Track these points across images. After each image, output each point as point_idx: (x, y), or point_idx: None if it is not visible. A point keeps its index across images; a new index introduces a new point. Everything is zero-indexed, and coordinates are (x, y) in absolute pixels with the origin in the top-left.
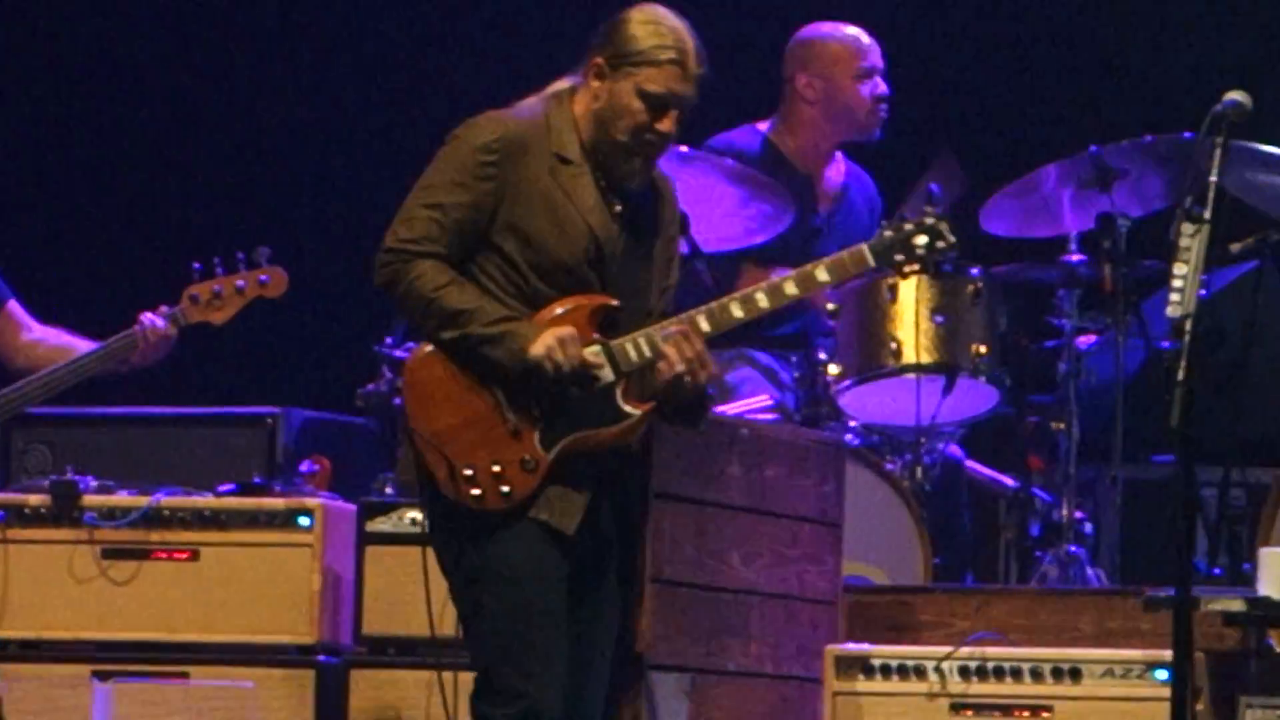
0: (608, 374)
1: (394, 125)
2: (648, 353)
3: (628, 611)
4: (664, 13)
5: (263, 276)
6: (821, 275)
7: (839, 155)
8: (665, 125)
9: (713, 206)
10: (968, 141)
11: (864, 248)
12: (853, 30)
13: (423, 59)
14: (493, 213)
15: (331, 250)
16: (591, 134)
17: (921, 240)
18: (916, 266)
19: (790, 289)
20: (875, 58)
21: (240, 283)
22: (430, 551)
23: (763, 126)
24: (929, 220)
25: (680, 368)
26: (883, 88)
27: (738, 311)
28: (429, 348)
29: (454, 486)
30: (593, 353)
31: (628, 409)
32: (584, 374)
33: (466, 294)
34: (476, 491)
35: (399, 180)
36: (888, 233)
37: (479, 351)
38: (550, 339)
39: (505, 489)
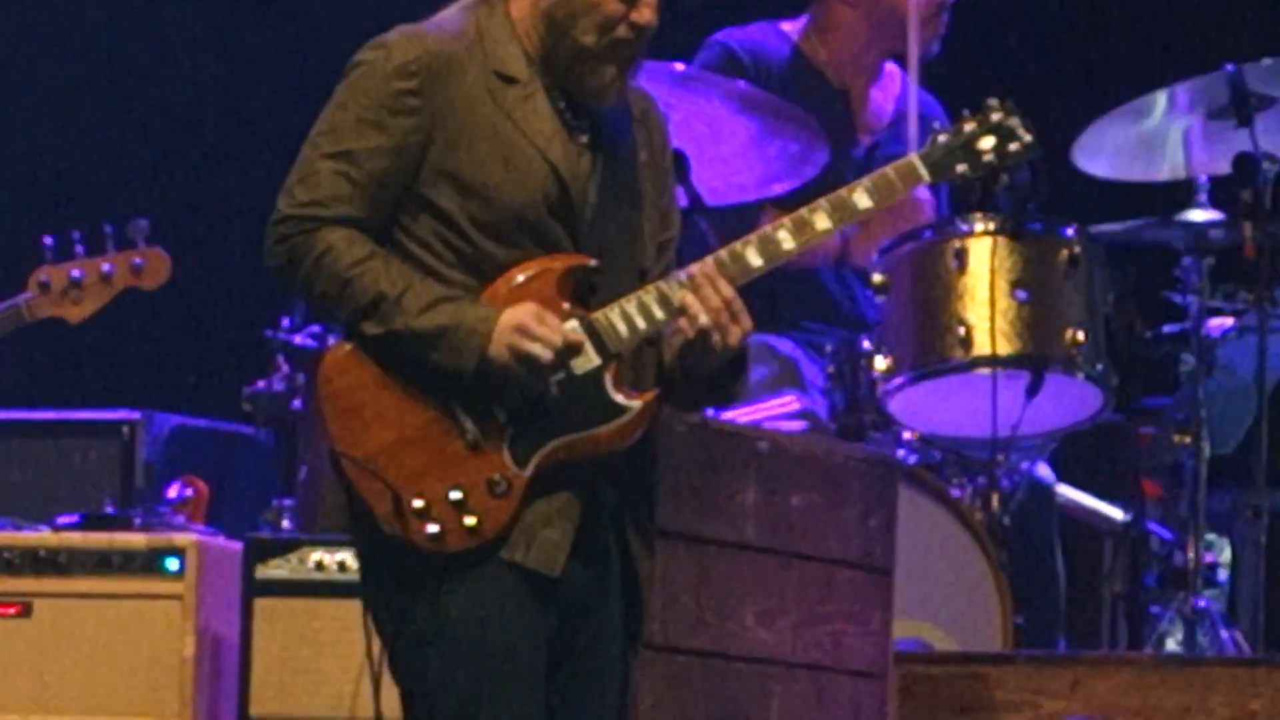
0: (592, 357)
1: (279, 53)
2: (642, 324)
3: (629, 681)
4: None
5: (137, 260)
6: (862, 200)
7: (891, 68)
8: (643, 14)
9: (719, 144)
10: (1055, 57)
11: (914, 158)
12: None
13: None
14: (419, 157)
15: (209, 211)
16: (542, 41)
17: (988, 142)
18: (985, 175)
19: (821, 222)
20: None
21: (107, 267)
22: (346, 607)
23: (788, 28)
24: (995, 115)
25: (705, 320)
26: None
27: (755, 259)
28: (346, 344)
29: (402, 523)
30: (570, 329)
31: (622, 400)
32: (564, 360)
33: (393, 270)
34: (433, 529)
35: (292, 123)
36: (942, 137)
37: (415, 353)
38: (509, 332)
39: (471, 521)
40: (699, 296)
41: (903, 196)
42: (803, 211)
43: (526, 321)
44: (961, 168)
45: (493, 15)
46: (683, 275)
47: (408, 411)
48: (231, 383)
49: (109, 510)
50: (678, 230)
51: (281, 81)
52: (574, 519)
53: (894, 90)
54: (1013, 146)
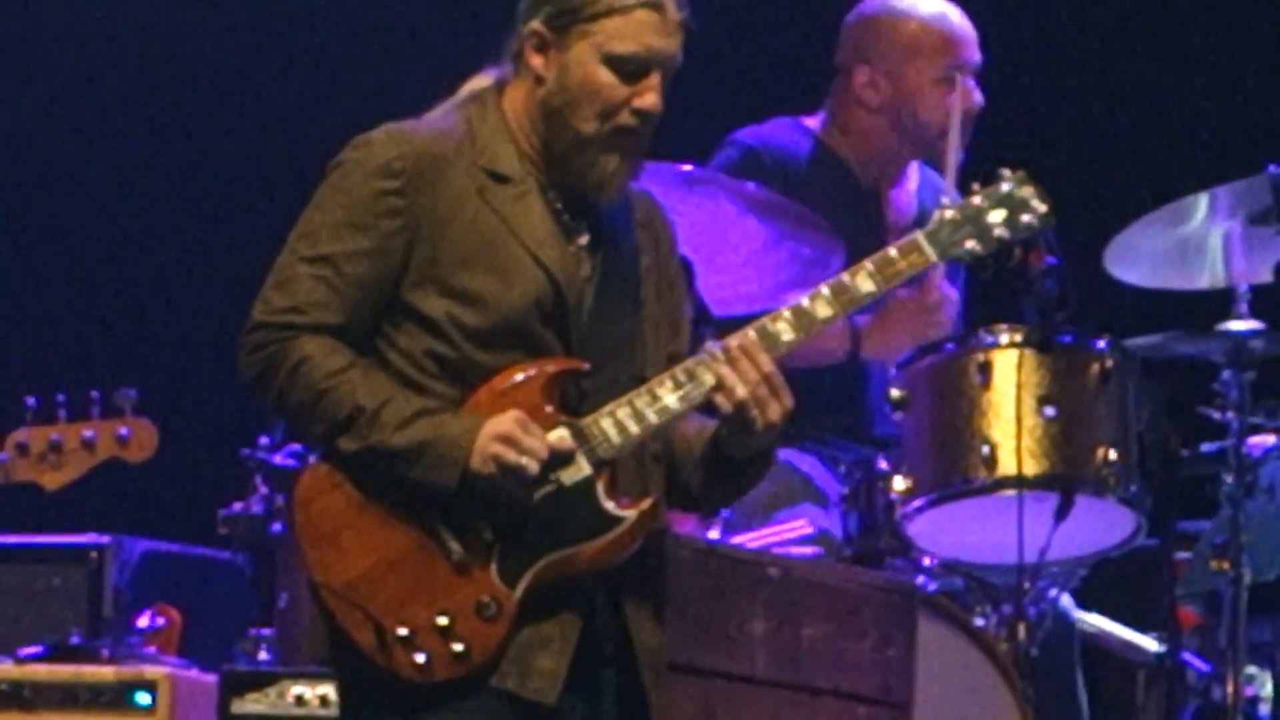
0: (582, 467)
1: (264, 156)
2: (635, 428)
3: None
4: None
5: (123, 430)
6: (864, 285)
7: (914, 164)
8: (648, 98)
9: (727, 250)
10: (1089, 158)
11: (919, 236)
12: (938, 6)
13: (295, 70)
14: (403, 261)
15: (184, 323)
16: (539, 135)
17: (998, 215)
18: (994, 252)
19: (822, 310)
20: (970, 51)
21: (90, 434)
22: None
23: (811, 124)
24: (1006, 185)
25: (742, 393)
26: (976, 97)
27: (788, 332)
28: (325, 464)
29: (386, 654)
30: (558, 437)
31: (615, 511)
32: (551, 469)
33: (373, 382)
34: (420, 657)
35: (273, 226)
36: (950, 212)
37: (394, 470)
38: (492, 442)
39: (459, 648)
40: (736, 370)
41: (907, 277)
42: (802, 300)
43: (511, 431)
44: (971, 244)
45: (485, 112)
46: (722, 345)
47: (389, 534)
48: (206, 505)
49: (76, 641)
50: (688, 339)
51: (259, 178)
52: (571, 644)
53: (914, 184)
54: (1025, 218)
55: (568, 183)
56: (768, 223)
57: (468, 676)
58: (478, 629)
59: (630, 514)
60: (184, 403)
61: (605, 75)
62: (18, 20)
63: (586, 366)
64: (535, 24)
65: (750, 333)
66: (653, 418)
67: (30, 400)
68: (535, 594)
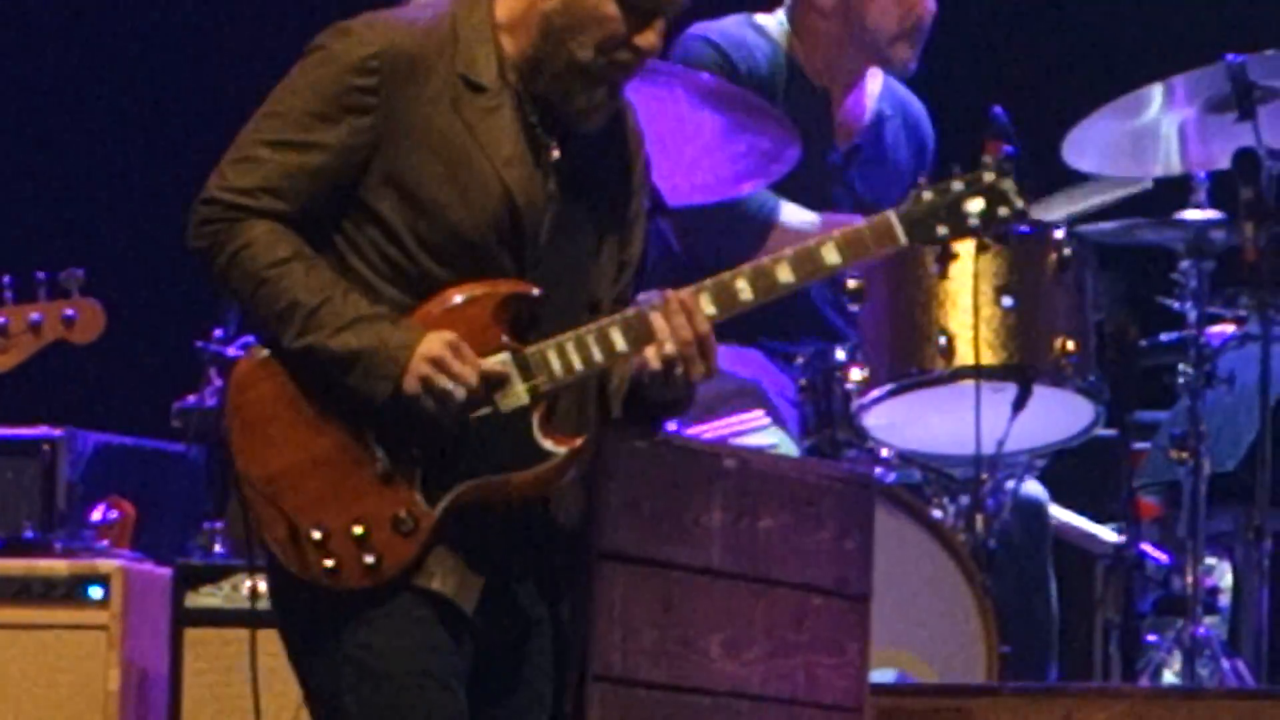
0: (520, 396)
1: (218, 28)
2: (579, 365)
3: None
4: None
5: (69, 311)
6: (830, 257)
7: (875, 70)
8: (648, 39)
9: (683, 141)
10: (1045, 49)
11: (891, 216)
12: None
13: None
14: (365, 159)
15: (136, 209)
16: (530, 46)
17: (975, 205)
18: (966, 242)
19: (784, 275)
20: None
21: (36, 316)
22: (269, 635)
23: (765, 22)
24: (988, 176)
25: (670, 349)
26: (928, 3)
27: (709, 306)
28: (264, 350)
29: (297, 554)
30: (498, 362)
31: (548, 445)
32: (485, 393)
33: (314, 277)
34: (329, 563)
35: (233, 110)
36: (927, 194)
37: (329, 370)
38: (424, 366)
39: (370, 559)
40: (670, 324)
41: (873, 256)
42: (765, 261)
43: (441, 354)
44: (943, 230)
45: (473, 12)
46: (661, 297)
47: (317, 433)
48: (160, 397)
49: (28, 535)
50: (638, 255)
51: (215, 51)
52: (488, 565)
53: (874, 90)
54: (1002, 211)
55: (551, 99)
56: (723, 114)
57: (376, 587)
58: (392, 542)
59: (561, 450)
60: (137, 295)
61: (613, 9)
62: None
63: (538, 293)
64: None
65: (695, 291)
66: (598, 355)
67: None
68: (454, 515)
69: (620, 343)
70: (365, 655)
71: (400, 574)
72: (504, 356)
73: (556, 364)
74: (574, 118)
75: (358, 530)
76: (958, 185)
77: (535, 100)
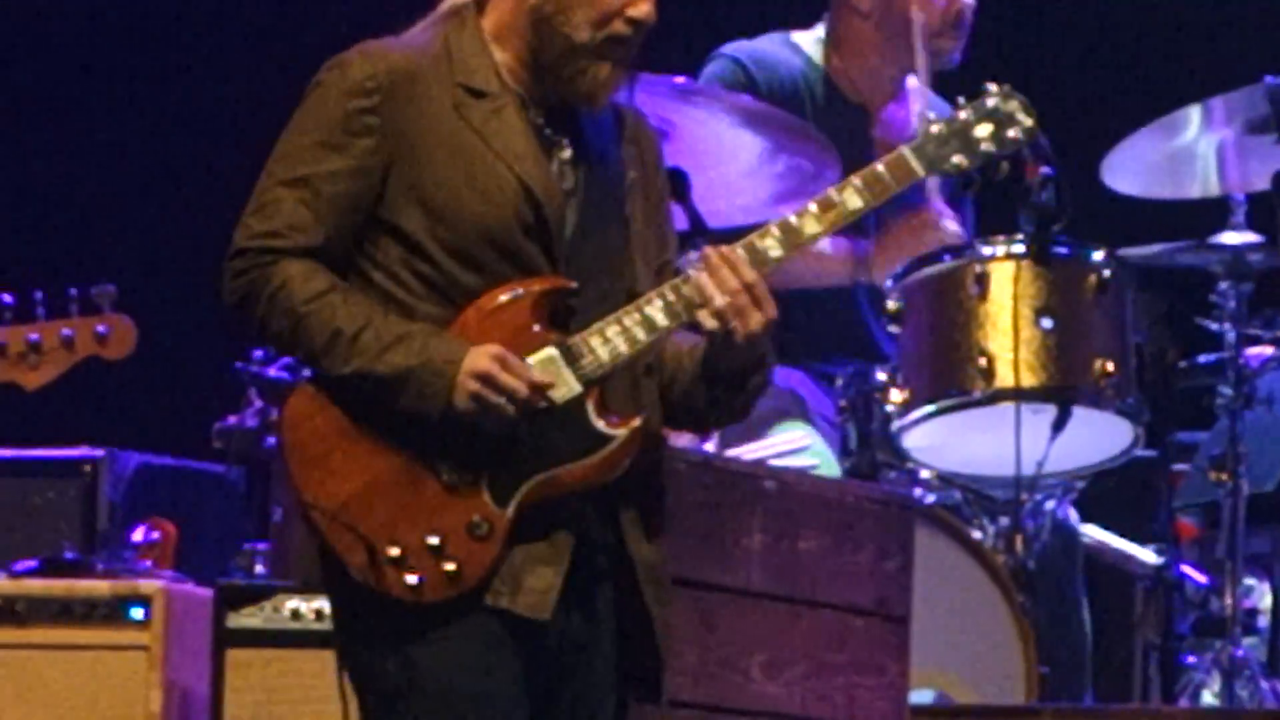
0: (571, 386)
1: (251, 76)
2: (623, 346)
3: None
4: None
5: (101, 327)
6: (853, 201)
7: (910, 83)
8: (642, 8)
9: (723, 162)
10: (1084, 70)
11: (904, 150)
12: None
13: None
14: (381, 179)
15: (177, 237)
16: (527, 47)
17: (984, 129)
18: (981, 166)
19: (810, 227)
20: None
21: (68, 331)
22: (322, 658)
23: (801, 39)
24: (992, 100)
25: (720, 302)
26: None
27: (775, 249)
28: (313, 384)
29: (377, 574)
30: (543, 360)
31: (605, 429)
32: (534, 403)
33: (353, 305)
34: (412, 578)
35: (264, 132)
36: (935, 127)
37: (380, 394)
38: (473, 382)
39: (451, 567)
40: (716, 279)
41: (895, 192)
42: (789, 217)
43: (489, 369)
44: (958, 158)
45: (463, 29)
46: (701, 255)
47: (378, 456)
48: (200, 418)
49: (69, 555)
50: (674, 251)
51: (249, 78)
52: (564, 561)
53: (918, 107)
54: (1012, 133)
55: (553, 94)
56: (762, 135)
57: (460, 597)
58: (470, 548)
59: (620, 432)
60: (178, 315)
61: None
62: None
63: (574, 284)
64: None
65: (734, 245)
66: (641, 335)
67: (6, 298)
68: (527, 512)
69: (661, 318)
70: (431, 676)
71: (483, 581)
72: (549, 352)
73: (602, 349)
74: (581, 100)
75: (434, 541)
76: (965, 114)
77: (538, 103)
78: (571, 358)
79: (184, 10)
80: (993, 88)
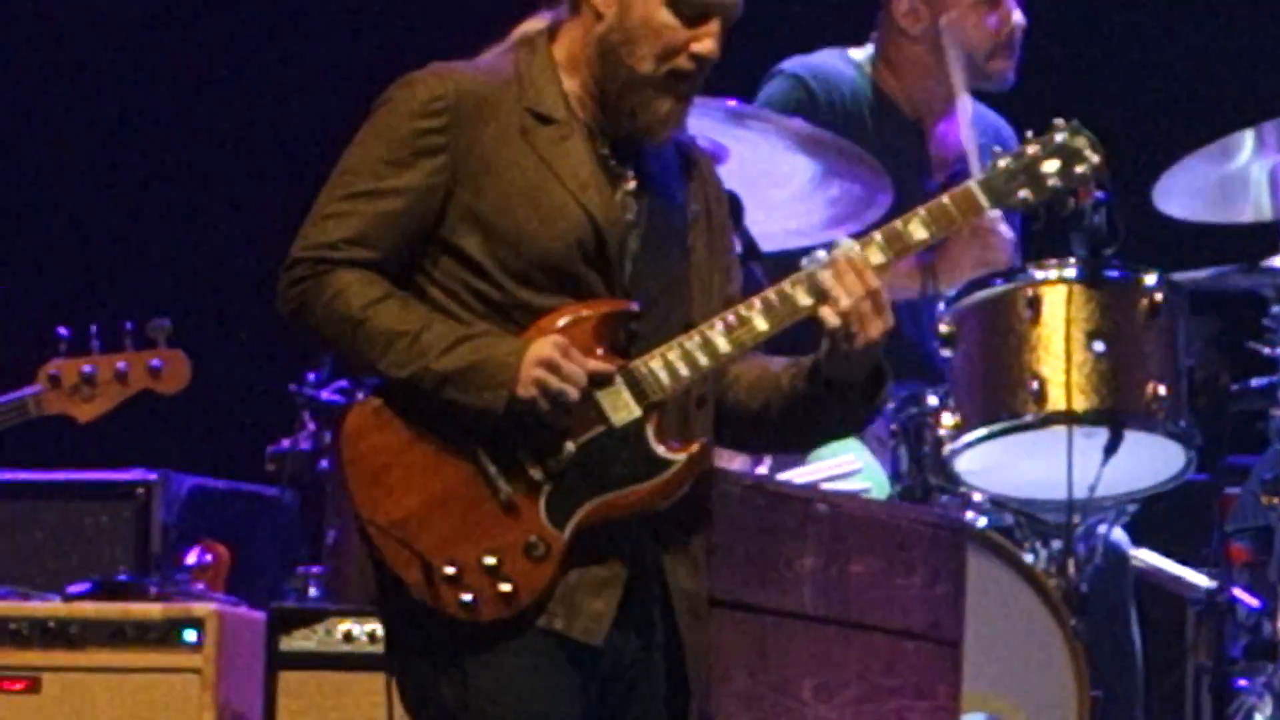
0: (632, 409)
1: (310, 98)
2: (685, 371)
3: None
4: None
5: (155, 361)
6: (917, 232)
7: (967, 100)
8: (706, 44)
9: (776, 186)
10: (1138, 94)
11: (972, 185)
12: None
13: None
14: (443, 200)
15: (232, 252)
16: (593, 75)
17: (1052, 165)
18: (1048, 202)
19: (874, 256)
20: None
21: (122, 365)
22: (375, 680)
23: (857, 56)
24: (1060, 135)
25: (847, 304)
26: (1017, 16)
27: (805, 298)
28: (374, 401)
29: (432, 592)
30: (598, 363)
31: (665, 454)
32: (595, 410)
33: (411, 310)
34: (467, 597)
35: (315, 168)
36: (1003, 161)
37: (440, 395)
38: (536, 368)
39: (506, 588)
40: (843, 283)
41: (961, 226)
42: (854, 245)
43: (551, 355)
44: (1024, 193)
45: (534, 55)
46: (829, 256)
47: (436, 473)
48: (254, 441)
49: (123, 578)
50: (739, 285)
51: (302, 106)
52: (619, 585)
53: (966, 124)
54: (1079, 169)
55: (616, 125)
56: (816, 159)
57: (515, 618)
58: (526, 569)
59: (680, 457)
60: (232, 338)
61: (666, 16)
62: None
63: (637, 308)
64: None
65: (847, 251)
66: (703, 360)
67: (63, 331)
68: (583, 535)
69: (723, 344)
70: (486, 698)
71: (538, 602)
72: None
73: (664, 374)
74: (645, 132)
75: (490, 561)
76: (1033, 149)
77: (604, 133)
78: (633, 381)
79: (235, 44)
80: (1060, 123)
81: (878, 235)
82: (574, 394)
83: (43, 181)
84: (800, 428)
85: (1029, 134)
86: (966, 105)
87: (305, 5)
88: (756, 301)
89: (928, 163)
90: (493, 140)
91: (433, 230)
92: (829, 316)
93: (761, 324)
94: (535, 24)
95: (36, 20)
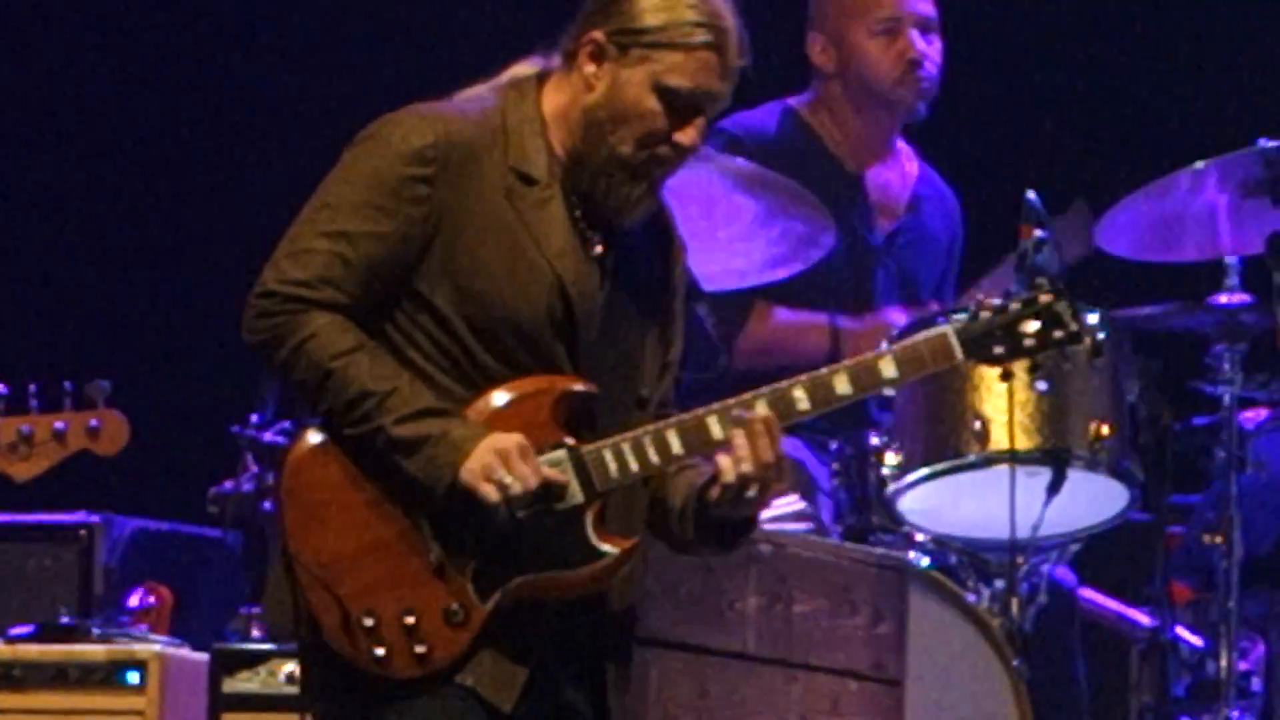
0: (575, 494)
1: (287, 119)
2: (635, 467)
3: None
4: None
5: (93, 422)
6: (887, 370)
7: (904, 148)
8: (688, 135)
9: (717, 226)
10: (1079, 133)
11: (949, 332)
12: None
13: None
14: (421, 249)
15: (174, 294)
16: (573, 141)
17: (1032, 326)
18: (1023, 362)
19: (841, 386)
20: (903, 2)
21: (60, 425)
22: None
23: (797, 105)
24: (1045, 298)
25: (748, 469)
26: (917, 45)
27: (804, 402)
28: (317, 436)
29: (347, 639)
30: (553, 461)
31: (602, 545)
32: (542, 496)
33: (380, 367)
34: (380, 651)
35: (278, 199)
36: (984, 313)
37: (388, 457)
38: (489, 455)
39: (421, 649)
40: (753, 445)
41: (930, 371)
42: (822, 372)
43: (509, 449)
44: (999, 349)
45: (521, 104)
46: (743, 412)
47: (373, 519)
48: (196, 483)
49: (65, 620)
50: (679, 354)
51: (232, 159)
52: (533, 661)
53: (910, 171)
54: (1057, 334)
55: (593, 193)
56: (758, 199)
57: (424, 676)
58: (443, 634)
59: (613, 550)
60: (173, 380)
61: (654, 103)
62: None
63: (596, 390)
64: (597, 33)
65: (767, 405)
66: (655, 459)
67: (0, 389)
68: (505, 607)
69: (677, 446)
70: None
71: (448, 668)
72: (560, 454)
73: (613, 465)
74: (614, 212)
75: (409, 620)
76: (1015, 306)
77: (579, 195)
78: (581, 466)
79: (165, 98)
80: (1044, 283)
81: (847, 364)
82: (517, 489)
83: None
84: (674, 537)
85: (1011, 289)
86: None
87: (232, 59)
88: (715, 411)
89: (869, 212)
90: (477, 197)
91: (406, 278)
92: (727, 471)
93: (717, 433)
94: (526, 69)
95: None
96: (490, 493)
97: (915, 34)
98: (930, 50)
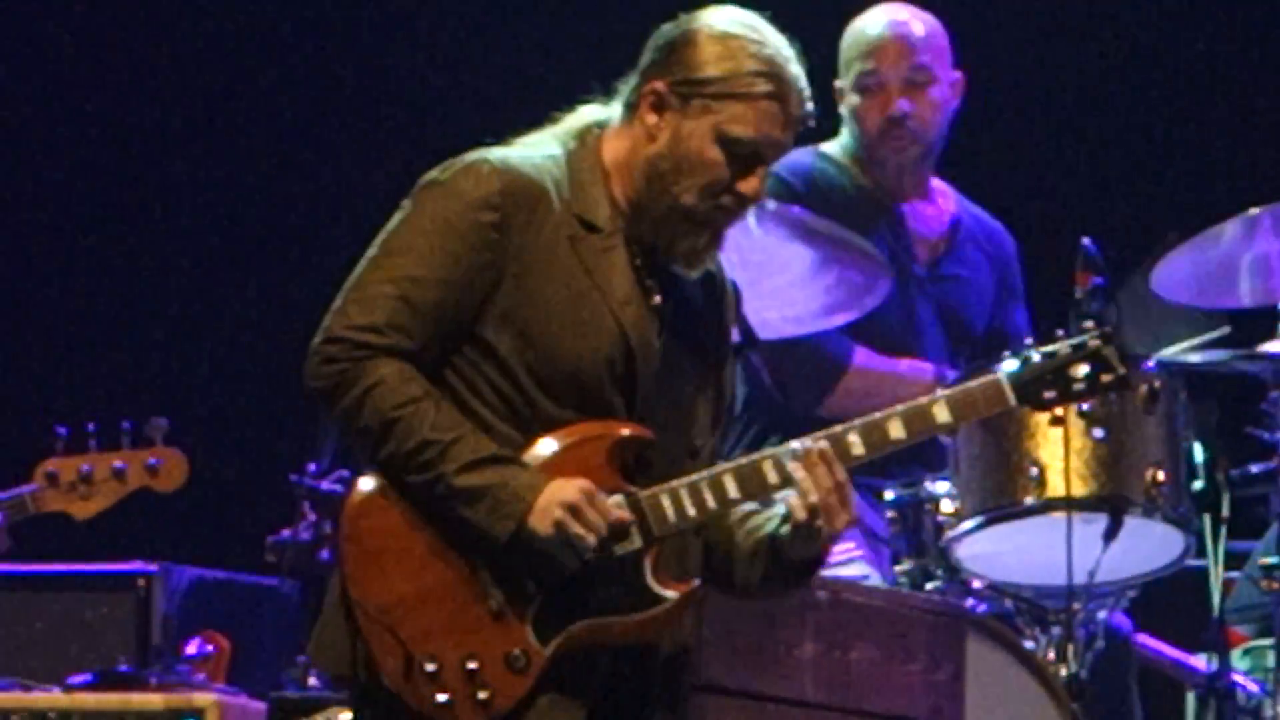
0: (634, 540)
1: (300, 181)
2: (692, 511)
3: None
4: (756, 23)
5: (152, 460)
6: (941, 415)
7: (938, 186)
8: (750, 185)
9: (774, 274)
10: (1135, 179)
11: (1002, 379)
12: (877, 14)
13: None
14: (486, 296)
15: (234, 350)
16: (635, 191)
17: (1081, 370)
18: (1072, 406)
19: (895, 431)
20: (889, 56)
21: (120, 464)
22: None
23: (831, 149)
24: (1092, 341)
25: (815, 499)
26: (897, 105)
27: (859, 447)
28: (375, 481)
29: (409, 685)
30: (616, 507)
31: (660, 590)
32: (608, 545)
33: (445, 416)
34: (443, 697)
35: (342, 247)
36: (1035, 357)
37: (449, 506)
38: (557, 508)
39: (484, 695)
40: (812, 475)
41: (983, 416)
42: (876, 416)
43: (577, 500)
44: (1050, 394)
45: (583, 153)
46: (802, 445)
47: (433, 565)
48: (254, 532)
49: (124, 669)
50: (730, 397)
51: (297, 202)
52: (589, 702)
53: (948, 207)
54: (1105, 378)
55: (656, 242)
56: (813, 247)
57: None
58: (505, 679)
59: (673, 595)
60: (232, 429)
61: (716, 153)
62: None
63: (653, 437)
64: (658, 82)
65: (826, 441)
66: (712, 504)
67: (61, 429)
68: (565, 653)
69: (733, 490)
70: None
71: (509, 713)
72: (618, 499)
73: (670, 510)
74: (678, 262)
75: (471, 665)
76: (1064, 349)
77: (639, 245)
78: (638, 510)
79: (223, 140)
80: (1091, 326)
81: (900, 409)
82: (590, 541)
83: (42, 280)
84: (743, 582)
85: (1059, 332)
86: None
87: (276, 102)
88: (769, 455)
89: (911, 244)
90: (542, 244)
91: (470, 325)
92: (796, 507)
93: (773, 477)
94: (589, 116)
95: (27, 105)
96: (559, 547)
97: (892, 91)
98: (917, 107)
